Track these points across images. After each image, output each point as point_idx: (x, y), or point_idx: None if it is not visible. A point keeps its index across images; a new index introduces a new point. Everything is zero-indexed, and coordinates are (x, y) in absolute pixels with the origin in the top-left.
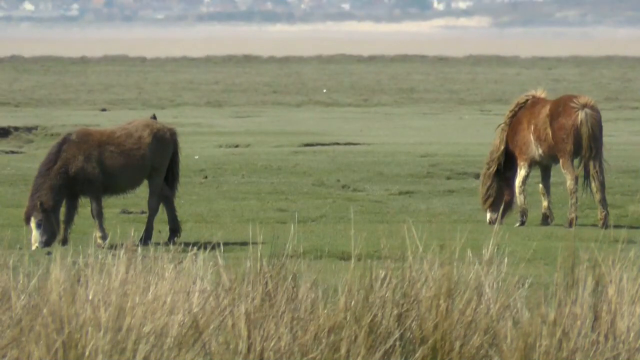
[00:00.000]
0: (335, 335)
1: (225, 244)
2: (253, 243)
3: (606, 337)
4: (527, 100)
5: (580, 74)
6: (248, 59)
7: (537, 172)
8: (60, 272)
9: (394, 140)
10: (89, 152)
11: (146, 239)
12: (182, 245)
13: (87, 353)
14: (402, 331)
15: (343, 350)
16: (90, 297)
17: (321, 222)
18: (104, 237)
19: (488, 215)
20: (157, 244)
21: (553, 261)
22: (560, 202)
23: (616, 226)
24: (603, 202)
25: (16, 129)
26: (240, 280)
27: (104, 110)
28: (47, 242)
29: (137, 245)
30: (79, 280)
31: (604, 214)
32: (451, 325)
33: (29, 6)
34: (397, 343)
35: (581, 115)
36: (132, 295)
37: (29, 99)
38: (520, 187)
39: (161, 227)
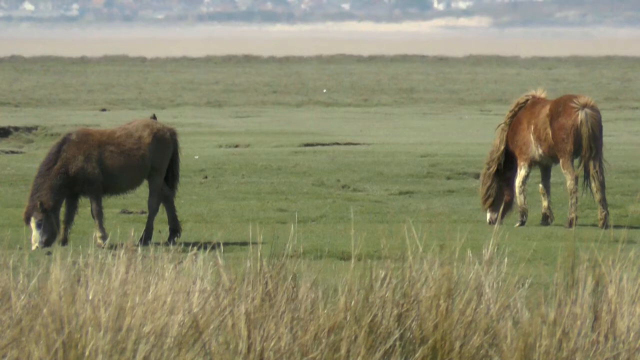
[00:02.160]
0: (335, 335)
1: (225, 244)
2: (253, 243)
3: (606, 337)
4: (527, 100)
5: (580, 74)
6: (248, 59)
7: (537, 172)
8: (60, 272)
9: (394, 140)
10: (89, 152)
11: (146, 239)
12: (182, 245)
13: (87, 353)
14: (402, 331)
15: (343, 350)
16: (90, 297)
17: (321, 222)
18: (104, 237)
19: (488, 215)
20: (157, 244)
21: (553, 261)
22: (560, 202)
23: (616, 226)
24: (603, 202)
25: (16, 129)
26: (240, 280)
27: (104, 110)
28: (47, 242)
29: (137, 245)
30: (79, 280)
31: (604, 214)
32: (451, 325)
33: (29, 6)
34: (397, 343)
35: (581, 115)
36: (132, 295)
37: (29, 99)
38: (520, 187)
39: (161, 227)
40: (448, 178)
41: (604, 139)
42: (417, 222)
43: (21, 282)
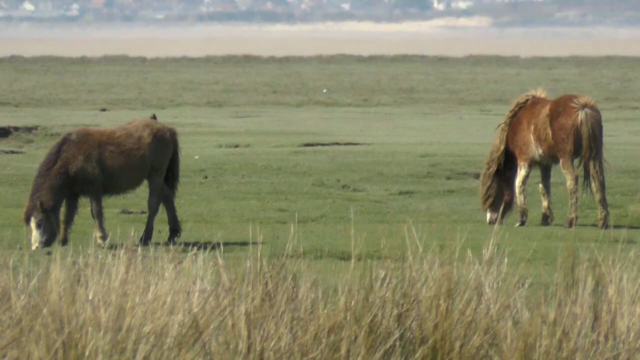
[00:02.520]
0: (335, 335)
1: (225, 244)
2: (253, 243)
3: (606, 337)
4: (527, 100)
5: (580, 74)
6: (248, 59)
7: (537, 172)
8: (60, 272)
9: (394, 140)
10: (89, 152)
11: (146, 239)
12: (182, 245)
13: (87, 353)
14: (402, 331)
15: (343, 350)
16: (90, 297)
17: (321, 222)
18: (104, 237)
19: (488, 215)
20: (157, 244)
21: (553, 261)
22: (560, 202)
23: (616, 226)
24: (603, 202)
25: (16, 129)
26: (240, 280)
27: (104, 110)
28: (47, 242)
29: (137, 245)
30: (79, 280)
31: (604, 214)
32: (451, 325)
33: (29, 6)
34: (397, 343)
35: (581, 115)
36: (132, 295)
37: (29, 99)
38: (520, 187)
39: (161, 227)
40: (448, 178)
41: (604, 139)
42: (417, 222)
43: (21, 282)
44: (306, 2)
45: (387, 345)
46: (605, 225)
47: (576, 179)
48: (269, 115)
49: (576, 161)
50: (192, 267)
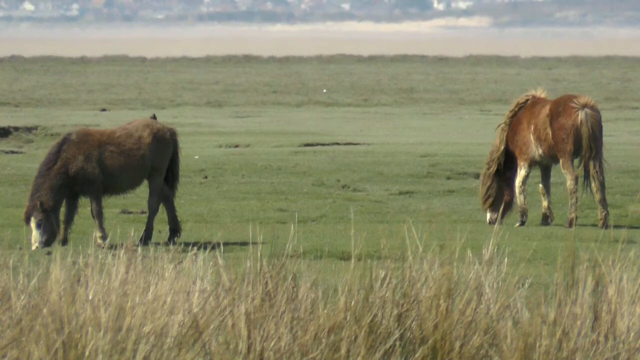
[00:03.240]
0: (335, 335)
1: (225, 244)
2: (253, 243)
3: (606, 337)
4: (527, 100)
5: (580, 74)
6: (248, 59)
7: (537, 172)
8: (60, 272)
9: (394, 140)
10: (89, 152)
11: (146, 239)
12: (182, 245)
13: (87, 353)
14: (402, 331)
15: (343, 350)
16: (90, 297)
17: (321, 222)
18: (104, 237)
19: (488, 215)
20: (157, 244)
21: (553, 261)
22: (560, 202)
23: (616, 226)
24: (603, 202)
25: (16, 129)
26: (240, 280)
27: (104, 110)
28: (47, 242)
29: (137, 245)
30: (79, 280)
31: (604, 214)
32: (451, 325)
33: (29, 6)
34: (397, 343)
35: (581, 115)
36: (132, 295)
37: (29, 99)
38: (520, 187)
39: (161, 227)
40: (448, 178)
41: (604, 139)
42: (417, 222)
43: (21, 282)
44: (306, 2)
45: (387, 345)
46: (605, 225)
47: (576, 179)
48: (269, 115)
49: (576, 161)
50: (192, 267)
